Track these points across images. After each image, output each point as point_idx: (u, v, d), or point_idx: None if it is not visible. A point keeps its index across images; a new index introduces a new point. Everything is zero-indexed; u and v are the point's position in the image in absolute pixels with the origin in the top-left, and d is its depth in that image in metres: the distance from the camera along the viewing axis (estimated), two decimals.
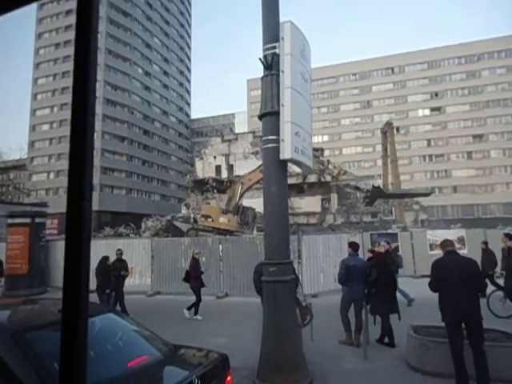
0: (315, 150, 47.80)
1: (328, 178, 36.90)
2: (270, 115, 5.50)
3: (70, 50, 53.17)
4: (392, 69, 62.89)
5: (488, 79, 57.04)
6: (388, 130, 33.91)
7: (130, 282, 13.64)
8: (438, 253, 15.48)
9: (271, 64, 5.54)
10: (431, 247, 16.12)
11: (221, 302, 11.75)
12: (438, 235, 16.47)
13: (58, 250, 15.31)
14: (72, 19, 53.63)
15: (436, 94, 59.97)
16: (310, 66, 6.21)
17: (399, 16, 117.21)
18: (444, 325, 4.82)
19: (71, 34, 53.30)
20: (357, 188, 36.79)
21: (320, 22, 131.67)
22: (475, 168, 56.18)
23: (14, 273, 13.76)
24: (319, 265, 12.50)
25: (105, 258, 9.93)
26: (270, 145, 5.43)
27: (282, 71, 5.40)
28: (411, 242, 16.20)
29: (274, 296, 5.11)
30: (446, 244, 5.11)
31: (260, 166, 33.70)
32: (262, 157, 5.67)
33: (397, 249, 10.30)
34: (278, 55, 5.52)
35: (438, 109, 59.54)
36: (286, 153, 5.19)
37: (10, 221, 14.58)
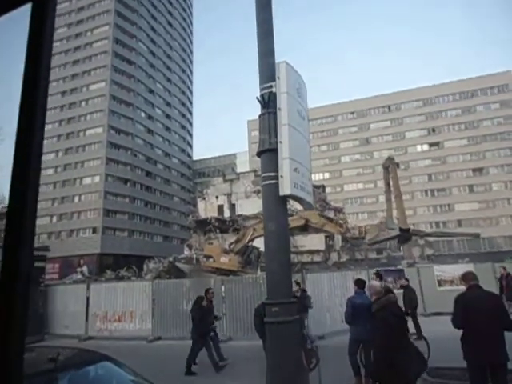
0: (316, 187, 48.09)
1: (331, 214, 36.72)
2: (268, 152, 5.52)
3: (76, 97, 55.07)
4: (388, 107, 64.50)
5: (483, 114, 58.28)
6: (390, 164, 34.18)
7: (130, 327, 13.24)
8: (449, 289, 15.08)
9: (268, 102, 5.64)
10: (439, 283, 15.71)
11: (224, 346, 11.28)
12: (446, 270, 16.10)
13: (57, 295, 14.99)
14: (78, 68, 56.00)
15: (433, 130, 61.04)
16: (307, 104, 6.33)
17: (393, 54, 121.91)
18: (460, 366, 4.54)
19: (78, 83, 55.46)
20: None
21: (317, 60, 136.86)
22: (478, 201, 56.01)
23: None
24: (325, 304, 12.11)
25: (200, 299, 9.15)
26: (269, 181, 5.41)
27: (279, 109, 5.48)
28: (418, 278, 15.79)
29: (278, 338, 4.88)
30: (468, 277, 4.88)
31: None
32: (262, 194, 5.63)
33: (304, 289, 9.97)
34: (275, 94, 5.63)
35: (436, 144, 60.39)
36: (285, 189, 5.16)
37: None
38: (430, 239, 41.56)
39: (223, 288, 12.50)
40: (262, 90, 5.74)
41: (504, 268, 14.43)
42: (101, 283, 16.52)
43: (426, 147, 60.48)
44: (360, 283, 6.91)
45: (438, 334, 7.94)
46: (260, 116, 5.76)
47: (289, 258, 5.40)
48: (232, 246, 25.44)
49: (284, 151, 5.29)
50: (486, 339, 4.30)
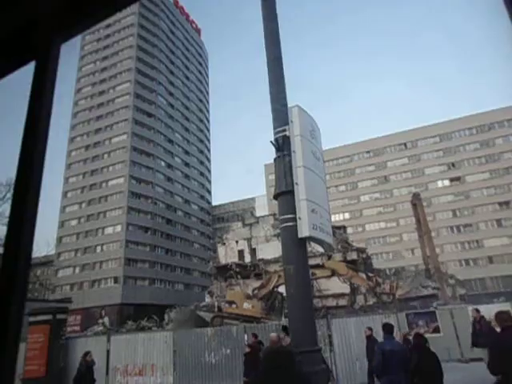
0: (337, 228, 47.32)
1: (354, 256, 35.72)
2: (285, 194, 5.51)
3: (99, 151, 57.45)
4: (405, 144, 64.51)
5: (503, 147, 57.43)
6: (416, 201, 33.53)
7: (151, 381, 12.76)
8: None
9: (282, 145, 5.72)
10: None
11: None
12: (482, 311, 15.17)
13: (78, 348, 14.72)
14: (101, 123, 58.92)
15: (453, 165, 60.26)
16: (321, 145, 6.38)
17: (404, 89, 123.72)
18: None
19: (100, 136, 58.12)
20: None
21: (329, 100, 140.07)
22: (508, 236, 53.74)
23: (30, 376, 13.09)
24: (354, 352, 11.45)
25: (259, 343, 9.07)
26: (287, 224, 5.35)
27: (294, 151, 5.54)
28: (452, 320, 14.88)
29: None
30: (503, 318, 4.55)
31: None
32: (281, 237, 5.54)
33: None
34: (289, 137, 5.71)
35: (457, 179, 59.35)
36: (303, 231, 5.08)
37: (31, 319, 14.31)
38: (461, 278, 39.70)
39: (246, 337, 12.05)
40: (275, 133, 5.84)
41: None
42: (121, 335, 16.22)
43: (447, 182, 59.44)
44: (388, 328, 6.52)
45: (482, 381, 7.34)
46: (275, 159, 5.82)
47: (311, 303, 5.19)
48: (255, 292, 24.92)
49: (301, 193, 5.27)
50: None
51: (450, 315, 15.18)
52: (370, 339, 9.99)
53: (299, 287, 5.08)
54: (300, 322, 4.91)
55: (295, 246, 5.21)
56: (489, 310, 15.01)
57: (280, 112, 5.92)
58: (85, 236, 53.69)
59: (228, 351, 11.63)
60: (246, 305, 19.62)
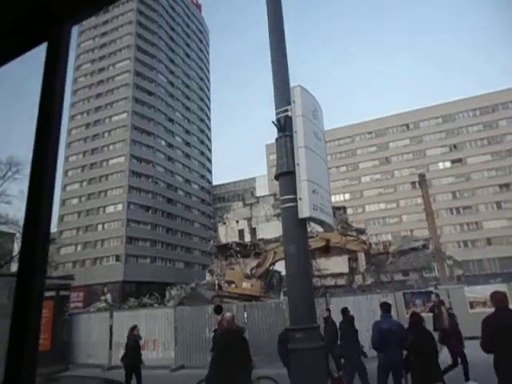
0: (337, 208, 47.52)
1: (355, 247, 36.03)
2: (286, 175, 5.52)
3: (99, 129, 57.10)
4: (407, 125, 63.96)
5: (506, 129, 56.92)
6: (422, 183, 33.64)
7: (152, 356, 13.10)
8: (481, 311, 14.39)
9: (284, 126, 5.68)
10: (471, 305, 15.00)
11: None
12: (478, 291, 15.39)
13: (81, 324, 15.07)
14: (101, 101, 58.34)
15: (455, 147, 59.92)
16: (323, 126, 6.34)
17: (410, 69, 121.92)
18: None
19: (101, 115, 57.64)
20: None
21: (330, 79, 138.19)
22: (507, 218, 53.95)
23: None
24: None
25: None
26: (288, 204, 5.38)
27: (296, 132, 5.51)
28: (449, 300, 15.12)
29: (302, 366, 4.71)
30: (498, 298, 4.64)
31: None
32: (281, 217, 5.58)
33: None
34: (291, 117, 5.68)
35: (458, 160, 59.11)
36: (304, 211, 5.11)
37: None
38: (459, 259, 40.12)
39: (245, 314, 12.30)
40: (277, 114, 5.80)
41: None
42: (124, 311, 16.54)
43: (448, 164, 59.25)
44: (386, 307, 6.65)
45: (474, 360, 7.53)
46: (277, 140, 5.80)
47: (311, 282, 5.28)
48: (253, 271, 25.23)
49: (302, 173, 5.28)
50: None
51: (447, 295, 15.42)
52: (328, 321, 9.50)
53: (299, 266, 5.15)
54: (299, 300, 5.01)
55: (296, 226, 5.26)
56: (485, 291, 15.26)
57: (282, 91, 5.86)
58: (86, 214, 53.99)
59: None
60: (245, 284, 19.88)
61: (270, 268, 26.09)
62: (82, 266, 51.13)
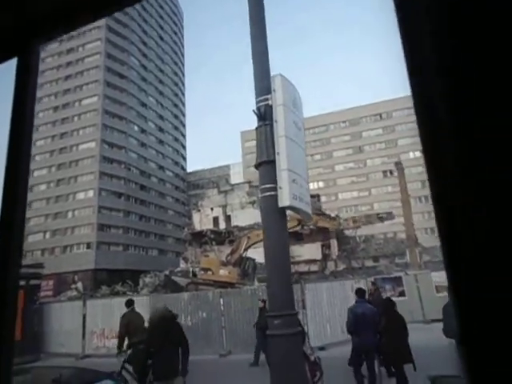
0: (312, 196, 48.19)
1: (327, 224, 36.71)
2: (266, 164, 5.54)
3: (68, 112, 55.02)
4: (380, 115, 65.16)
5: None
6: (399, 170, 34.56)
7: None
8: (445, 295, 15.06)
9: (264, 115, 5.69)
10: (437, 289, 15.72)
11: (224, 360, 11.14)
12: (444, 277, 16.14)
13: (53, 313, 14.74)
14: (70, 83, 56.11)
15: None
16: (302, 115, 6.39)
17: (386, 61, 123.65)
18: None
19: (70, 98, 55.49)
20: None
21: (306, 68, 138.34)
22: None
23: None
24: (324, 314, 12.04)
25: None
26: (267, 193, 5.42)
27: (276, 121, 5.53)
28: (417, 285, 15.80)
29: (281, 351, 4.83)
30: None
31: None
32: (261, 206, 5.63)
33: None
34: (271, 106, 5.68)
35: None
36: (284, 200, 5.17)
37: None
38: (427, 245, 41.72)
39: (221, 301, 12.40)
40: (258, 102, 5.79)
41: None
42: (97, 299, 16.30)
43: (418, 154, 60.90)
44: (360, 292, 6.89)
45: (441, 341, 7.92)
46: (257, 128, 5.80)
47: (289, 270, 5.39)
48: (228, 258, 25.33)
49: (282, 163, 5.32)
50: None
51: (415, 280, 16.11)
52: (263, 311, 9.21)
53: (278, 254, 5.23)
54: (278, 287, 5.10)
55: (275, 214, 5.31)
56: None
57: (262, 80, 5.84)
58: (55, 201, 52.33)
59: (204, 315, 11.97)
60: (223, 271, 19.96)
61: (244, 255, 26.20)
62: (51, 254, 49.69)
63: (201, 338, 11.62)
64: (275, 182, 5.35)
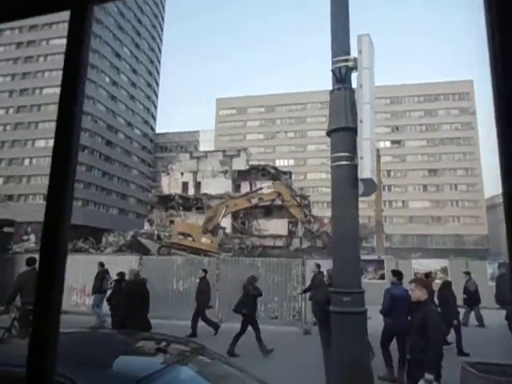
0: (284, 173, 48.23)
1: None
2: (341, 131, 5.13)
3: (33, 51, 50.43)
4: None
5: (443, 118, 61.19)
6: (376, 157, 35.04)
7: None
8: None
9: (344, 77, 5.21)
10: (416, 276, 16.34)
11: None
12: (423, 264, 16.80)
13: (24, 265, 13.69)
14: (39, 19, 51.10)
15: (397, 128, 63.25)
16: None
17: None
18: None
19: (36, 35, 50.72)
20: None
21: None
22: (429, 200, 59.27)
23: None
24: None
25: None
26: (341, 162, 5.03)
27: (360, 86, 5.07)
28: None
29: (348, 330, 4.59)
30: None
31: (248, 193, 33.18)
32: (331, 175, 5.22)
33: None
34: (351, 68, 5.22)
35: (398, 142, 62.70)
36: (364, 172, 4.80)
37: None
38: (388, 233, 43.47)
39: (217, 270, 12.04)
40: (335, 62, 5.29)
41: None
42: (79, 255, 15.34)
43: (388, 144, 62.55)
44: (399, 275, 6.79)
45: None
46: (333, 91, 5.33)
47: (358, 246, 5.09)
48: (205, 226, 24.85)
49: (365, 131, 4.92)
50: None
51: (396, 265, 16.59)
52: (203, 282, 10.38)
53: (348, 229, 4.91)
54: (347, 263, 4.81)
55: (348, 187, 4.96)
56: (429, 264, 16.68)
57: (342, 39, 5.34)
58: (11, 146, 48.60)
59: (198, 280, 11.56)
60: (205, 239, 19.48)
61: (220, 223, 25.82)
62: (2, 202, 46.48)
63: (192, 304, 11.26)
64: (351, 151, 4.98)
